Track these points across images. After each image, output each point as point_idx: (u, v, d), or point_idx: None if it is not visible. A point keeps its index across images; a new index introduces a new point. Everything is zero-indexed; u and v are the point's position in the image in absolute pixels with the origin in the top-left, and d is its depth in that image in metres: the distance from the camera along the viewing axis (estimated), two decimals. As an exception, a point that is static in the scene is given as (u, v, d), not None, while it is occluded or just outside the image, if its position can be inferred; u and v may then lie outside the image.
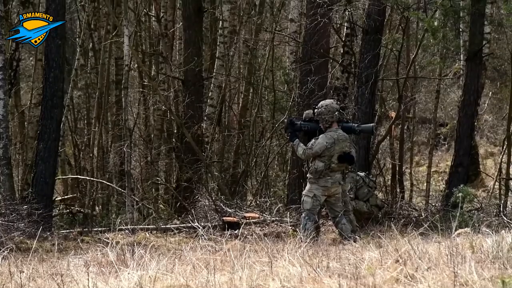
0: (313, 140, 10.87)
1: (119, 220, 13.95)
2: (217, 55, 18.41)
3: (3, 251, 8.78)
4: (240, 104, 19.39)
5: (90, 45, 21.05)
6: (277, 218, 13.58)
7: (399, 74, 15.90)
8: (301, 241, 7.90)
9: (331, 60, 16.53)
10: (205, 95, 18.26)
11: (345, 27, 16.58)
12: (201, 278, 6.34)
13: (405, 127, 18.94)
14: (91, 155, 19.77)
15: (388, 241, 7.42)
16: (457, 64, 23.22)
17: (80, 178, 19.27)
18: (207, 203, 14.41)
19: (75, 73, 20.69)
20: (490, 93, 25.91)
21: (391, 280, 5.83)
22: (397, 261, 6.34)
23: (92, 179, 18.90)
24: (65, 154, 21.23)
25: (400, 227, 10.72)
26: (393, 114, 16.78)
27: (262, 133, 19.23)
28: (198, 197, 15.10)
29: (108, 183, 18.57)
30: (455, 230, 7.57)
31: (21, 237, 12.08)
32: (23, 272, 7.33)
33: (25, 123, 19.13)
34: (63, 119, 17.76)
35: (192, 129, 16.34)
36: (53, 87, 13.58)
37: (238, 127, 18.75)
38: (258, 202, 15.44)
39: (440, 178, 21.58)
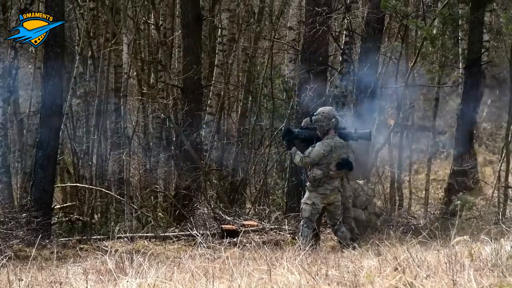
0: (310, 148, 10.87)
1: (118, 228, 13.95)
2: (216, 63, 18.42)
3: (2, 259, 8.76)
4: (239, 112, 19.40)
5: (89, 53, 21.05)
6: (275, 226, 13.58)
7: (398, 82, 15.91)
8: (300, 249, 7.90)
9: (330, 68, 16.54)
10: (204, 103, 18.27)
11: (344, 35, 16.59)
12: (200, 286, 6.33)
13: (404, 135, 18.93)
14: (90, 163, 19.75)
15: (387, 249, 7.41)
16: (456, 72, 23.25)
17: (79, 186, 19.25)
18: (206, 211, 14.41)
19: (74, 81, 20.70)
20: (489, 101, 25.91)
21: (390, 288, 5.83)
22: (396, 269, 6.33)
23: (91, 187, 18.88)
24: (64, 162, 21.22)
25: (399, 235, 10.71)
26: (392, 122, 16.79)
27: (261, 141, 19.24)
28: (197, 205, 15.10)
29: (107, 191, 18.55)
30: (454, 238, 7.57)
31: (20, 245, 12.09)
32: (22, 280, 7.32)
33: (24, 131, 19.14)
34: (62, 127, 17.77)
35: (191, 137, 16.33)
36: (52, 95, 13.59)
37: (237, 135, 18.76)
38: (257, 210, 15.44)
39: (439, 186, 21.56)
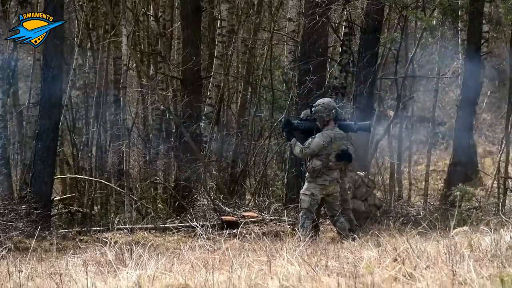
0: (310, 139, 10.88)
1: (117, 220, 13.97)
2: (215, 55, 18.39)
3: (2, 251, 8.77)
4: (239, 104, 19.37)
5: (89, 45, 21.03)
6: (275, 217, 13.58)
7: (398, 73, 15.89)
8: (300, 240, 7.91)
9: (329, 59, 16.52)
10: (203, 94, 18.26)
11: (344, 26, 16.56)
12: (200, 277, 6.33)
13: (404, 126, 18.93)
14: (89, 154, 19.76)
15: (387, 240, 7.43)
16: (455, 63, 23.23)
17: (78, 177, 19.26)
18: (206, 202, 14.41)
19: (73, 72, 20.68)
20: (489, 91, 25.90)
21: (390, 279, 5.83)
22: (396, 259, 6.34)
23: (90, 178, 18.89)
24: (64, 154, 21.22)
25: (399, 226, 10.74)
26: (391, 113, 16.79)
27: (261, 132, 19.22)
28: (196, 196, 15.10)
29: (106, 182, 18.56)
30: (454, 228, 7.58)
31: (19, 237, 12.10)
32: (22, 271, 7.33)
33: (24, 122, 19.12)
34: (61, 118, 17.76)
35: (190, 129, 16.33)
36: (51, 87, 13.58)
37: (236, 126, 18.74)
38: (256, 201, 15.43)
39: (438, 177, 21.56)
